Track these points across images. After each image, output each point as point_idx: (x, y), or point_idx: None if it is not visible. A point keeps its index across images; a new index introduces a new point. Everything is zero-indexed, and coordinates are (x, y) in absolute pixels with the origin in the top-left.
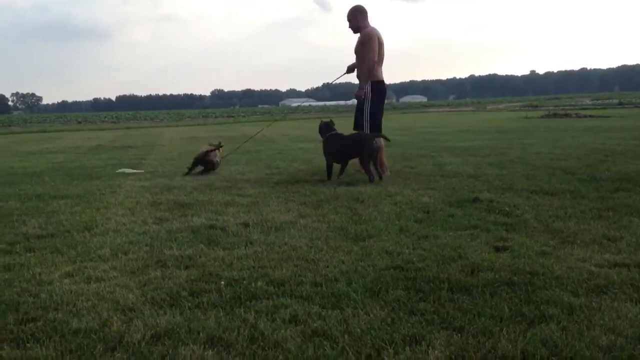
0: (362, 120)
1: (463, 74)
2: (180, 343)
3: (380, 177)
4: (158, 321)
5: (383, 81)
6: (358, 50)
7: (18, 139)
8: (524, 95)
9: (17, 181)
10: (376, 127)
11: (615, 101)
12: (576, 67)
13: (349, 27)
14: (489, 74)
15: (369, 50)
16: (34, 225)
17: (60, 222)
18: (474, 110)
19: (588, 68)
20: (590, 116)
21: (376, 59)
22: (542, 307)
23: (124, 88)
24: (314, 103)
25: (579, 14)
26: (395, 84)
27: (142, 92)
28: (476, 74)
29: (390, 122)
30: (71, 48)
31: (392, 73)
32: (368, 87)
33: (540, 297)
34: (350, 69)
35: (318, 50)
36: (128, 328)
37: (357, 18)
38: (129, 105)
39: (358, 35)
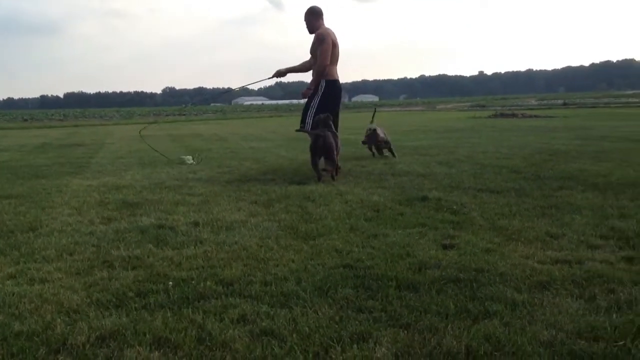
0: (306, 116)
1: (414, 74)
2: (125, 345)
3: (333, 177)
4: (103, 323)
5: (337, 80)
6: (313, 51)
7: None
8: (472, 95)
9: None
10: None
11: (560, 102)
12: (523, 68)
13: (306, 27)
14: (439, 74)
15: (321, 51)
16: None
17: (3, 222)
18: (424, 110)
19: (534, 69)
20: (536, 116)
21: (328, 61)
22: (486, 304)
23: (73, 85)
24: (267, 102)
25: (525, 16)
26: (347, 83)
27: (91, 89)
28: (426, 74)
29: (342, 121)
30: (19, 43)
31: (344, 72)
32: (322, 84)
33: (485, 293)
34: (280, 74)
35: (271, 48)
36: (72, 330)
37: (309, 19)
38: (78, 102)
39: (313, 36)
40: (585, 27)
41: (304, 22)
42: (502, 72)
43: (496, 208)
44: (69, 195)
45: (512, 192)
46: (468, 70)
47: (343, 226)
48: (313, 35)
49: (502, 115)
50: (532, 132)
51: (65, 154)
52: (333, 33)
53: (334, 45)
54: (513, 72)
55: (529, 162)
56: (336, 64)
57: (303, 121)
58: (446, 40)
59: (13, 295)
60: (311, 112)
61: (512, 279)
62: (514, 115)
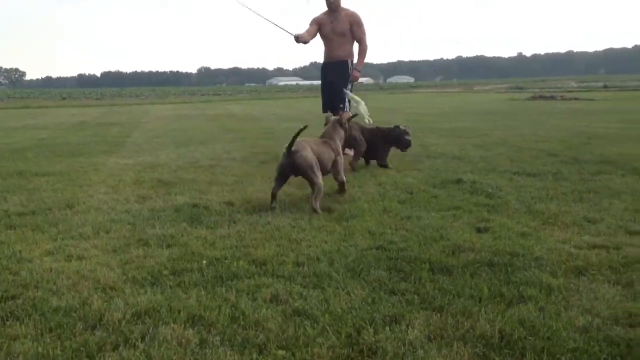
0: (341, 99)
1: (450, 55)
2: (160, 322)
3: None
4: (139, 300)
5: None
6: (345, 31)
7: (1, 114)
8: (510, 77)
9: None
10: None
11: (601, 84)
12: (563, 50)
13: (332, 2)
14: (477, 55)
15: (364, 33)
16: (15, 203)
17: (42, 199)
18: (461, 92)
19: (574, 51)
20: (576, 99)
21: None
22: (521, 288)
23: (109, 64)
24: (302, 82)
25: None
26: (382, 64)
27: (127, 68)
28: (464, 55)
29: (377, 102)
30: (56, 21)
31: (379, 53)
32: (350, 67)
33: (520, 277)
34: (298, 38)
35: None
36: (108, 306)
37: None
38: (114, 81)
39: (335, 14)
40: (629, 7)
41: None
42: (542, 53)
43: (533, 192)
44: (105, 174)
45: (549, 175)
46: (507, 51)
47: (376, 208)
48: (335, 13)
49: (541, 97)
50: (571, 115)
51: (102, 133)
52: None
53: None
54: (553, 53)
55: (567, 146)
56: None
57: (337, 107)
58: (484, 21)
59: (51, 271)
60: (351, 95)
61: (548, 264)
62: (552, 98)
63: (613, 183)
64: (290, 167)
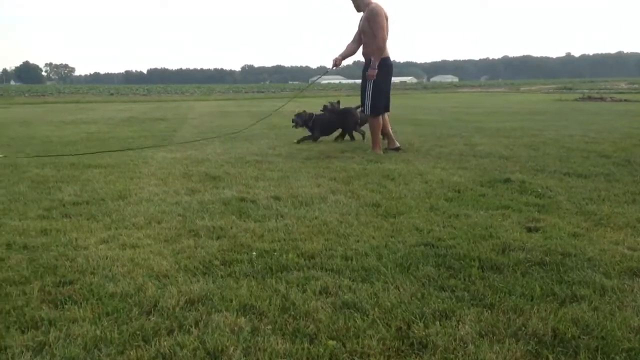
0: (364, 98)
1: (496, 55)
2: (213, 310)
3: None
4: (192, 288)
5: (389, 57)
6: (364, 28)
7: (52, 108)
8: (558, 77)
9: (52, 150)
10: (382, 104)
11: None
12: (613, 51)
13: (353, 5)
14: (523, 55)
15: (378, 27)
16: (70, 193)
17: (95, 190)
18: (507, 92)
19: (625, 52)
20: (626, 100)
21: (387, 35)
22: (573, 287)
23: (155, 61)
24: (344, 80)
25: None
26: (426, 63)
27: (173, 65)
28: (510, 55)
29: (420, 101)
30: (105, 19)
31: (423, 52)
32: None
33: (572, 277)
34: (338, 62)
35: (349, 26)
36: (162, 293)
37: None
38: (160, 78)
39: (362, 13)
40: None
41: (351, 1)
42: (591, 54)
43: (584, 192)
44: (154, 167)
45: (600, 176)
46: (554, 51)
47: (423, 205)
48: (361, 13)
49: (590, 98)
50: (622, 116)
51: (150, 128)
52: (383, 8)
53: (386, 20)
54: (602, 54)
55: (619, 147)
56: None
57: (363, 104)
58: (532, 19)
59: (106, 258)
60: (368, 94)
61: (601, 264)
62: (602, 99)
63: None
64: None
